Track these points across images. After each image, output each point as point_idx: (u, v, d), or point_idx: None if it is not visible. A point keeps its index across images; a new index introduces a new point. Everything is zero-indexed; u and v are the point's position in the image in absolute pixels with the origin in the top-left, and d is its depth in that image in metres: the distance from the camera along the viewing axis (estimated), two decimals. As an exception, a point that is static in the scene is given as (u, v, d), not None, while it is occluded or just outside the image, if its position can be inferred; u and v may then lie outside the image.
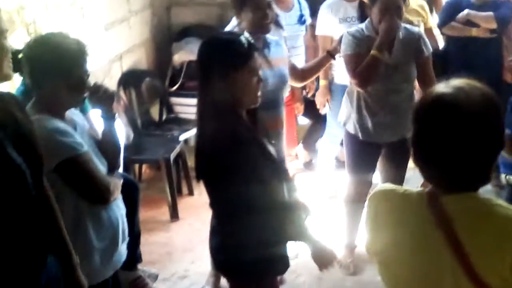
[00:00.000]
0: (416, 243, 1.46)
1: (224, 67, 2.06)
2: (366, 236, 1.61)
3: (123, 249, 2.46)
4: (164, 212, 4.15)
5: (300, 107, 4.27)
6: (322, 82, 4.06)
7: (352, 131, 3.34)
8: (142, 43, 4.78)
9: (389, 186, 1.65)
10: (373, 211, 1.57)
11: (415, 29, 3.38)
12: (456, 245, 1.37)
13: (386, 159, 3.40)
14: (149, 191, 4.38)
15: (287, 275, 2.96)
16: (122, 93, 4.23)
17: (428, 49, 3.27)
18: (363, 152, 3.37)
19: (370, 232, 1.58)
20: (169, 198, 4.10)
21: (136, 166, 4.52)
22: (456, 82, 1.41)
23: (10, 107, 1.77)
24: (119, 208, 2.42)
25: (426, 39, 3.31)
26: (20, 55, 2.18)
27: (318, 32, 4.05)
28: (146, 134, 4.39)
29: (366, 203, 1.61)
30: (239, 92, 2.08)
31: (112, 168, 2.40)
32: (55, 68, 2.15)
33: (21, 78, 2.47)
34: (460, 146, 1.36)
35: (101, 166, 2.32)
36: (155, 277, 3.47)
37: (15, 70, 2.01)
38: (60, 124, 2.19)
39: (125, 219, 2.45)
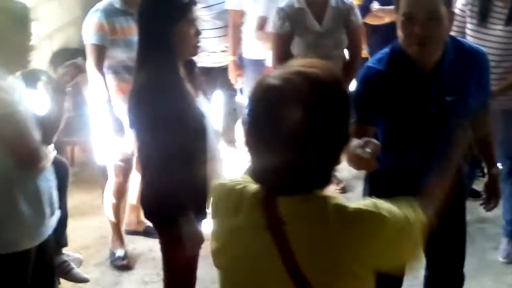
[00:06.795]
0: (247, 245, 1.27)
1: (164, 19, 2.13)
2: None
3: (50, 223, 2.34)
4: (98, 196, 3.97)
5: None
6: (231, 58, 3.89)
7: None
8: (74, 21, 4.52)
9: (235, 179, 1.39)
10: (214, 203, 1.39)
11: None
12: (285, 251, 1.21)
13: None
14: (82, 175, 4.24)
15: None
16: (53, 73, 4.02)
17: (358, 19, 3.40)
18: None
19: (213, 225, 1.39)
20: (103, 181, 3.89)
21: (69, 148, 4.36)
22: (289, 71, 1.23)
23: None
24: (48, 180, 2.33)
25: (357, 11, 3.41)
26: None
27: (228, 6, 3.82)
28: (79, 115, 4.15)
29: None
30: (178, 43, 2.15)
31: (46, 142, 2.27)
32: None
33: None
34: (287, 142, 1.18)
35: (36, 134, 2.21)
36: (79, 262, 3.34)
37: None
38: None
39: (54, 193, 2.36)
